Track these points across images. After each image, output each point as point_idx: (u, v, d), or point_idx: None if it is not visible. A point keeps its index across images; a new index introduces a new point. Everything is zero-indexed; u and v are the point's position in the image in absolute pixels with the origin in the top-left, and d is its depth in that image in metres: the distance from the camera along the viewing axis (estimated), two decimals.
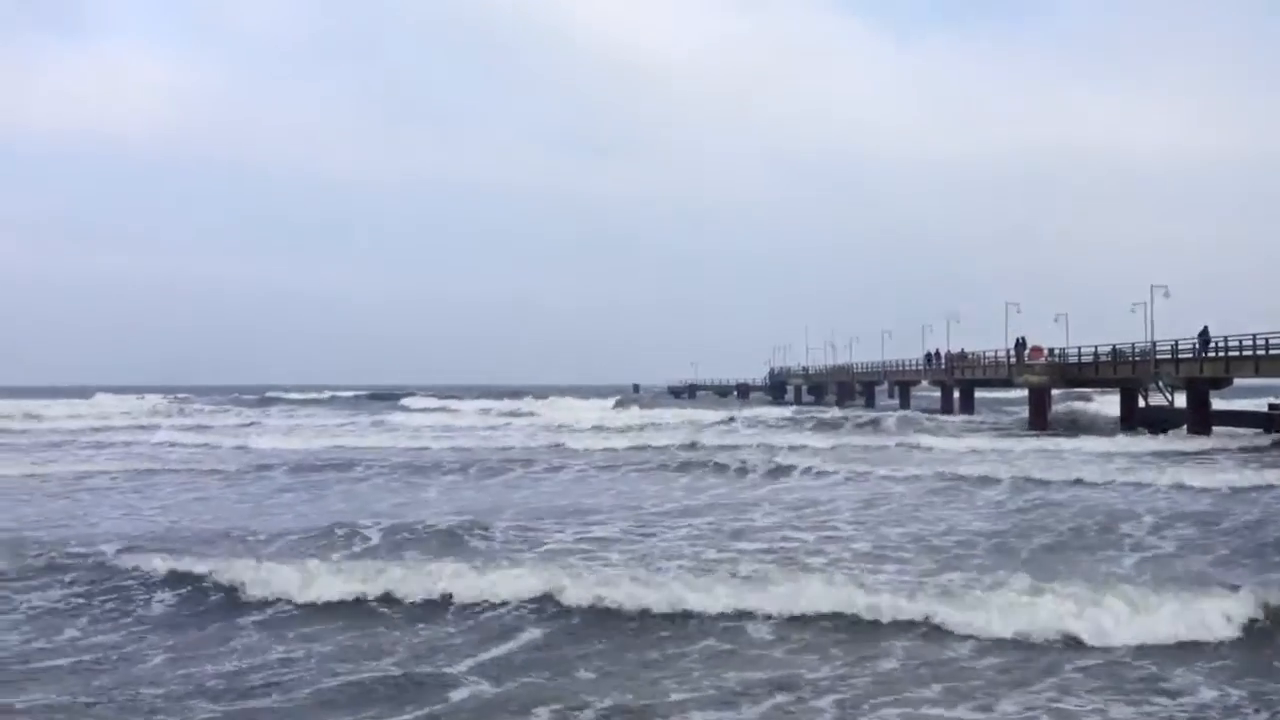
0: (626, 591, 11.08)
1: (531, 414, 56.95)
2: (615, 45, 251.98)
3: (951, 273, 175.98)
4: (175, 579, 12.12)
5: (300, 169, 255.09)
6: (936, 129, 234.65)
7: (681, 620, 10.42)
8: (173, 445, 36.80)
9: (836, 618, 10.37)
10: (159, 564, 12.72)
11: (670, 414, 51.18)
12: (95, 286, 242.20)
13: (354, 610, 10.95)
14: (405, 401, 75.47)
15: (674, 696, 8.22)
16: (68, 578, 12.43)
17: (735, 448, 32.32)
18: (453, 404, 69.48)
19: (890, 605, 10.49)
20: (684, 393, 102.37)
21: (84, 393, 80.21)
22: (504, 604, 11.05)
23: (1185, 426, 37.47)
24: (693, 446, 32.91)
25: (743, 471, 25.68)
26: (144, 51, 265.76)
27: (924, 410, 57.65)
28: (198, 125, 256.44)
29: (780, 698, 8.16)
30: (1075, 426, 41.69)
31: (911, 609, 10.43)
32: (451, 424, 49.31)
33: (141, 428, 46.57)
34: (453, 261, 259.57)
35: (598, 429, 43.35)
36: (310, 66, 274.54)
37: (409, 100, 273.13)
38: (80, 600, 11.51)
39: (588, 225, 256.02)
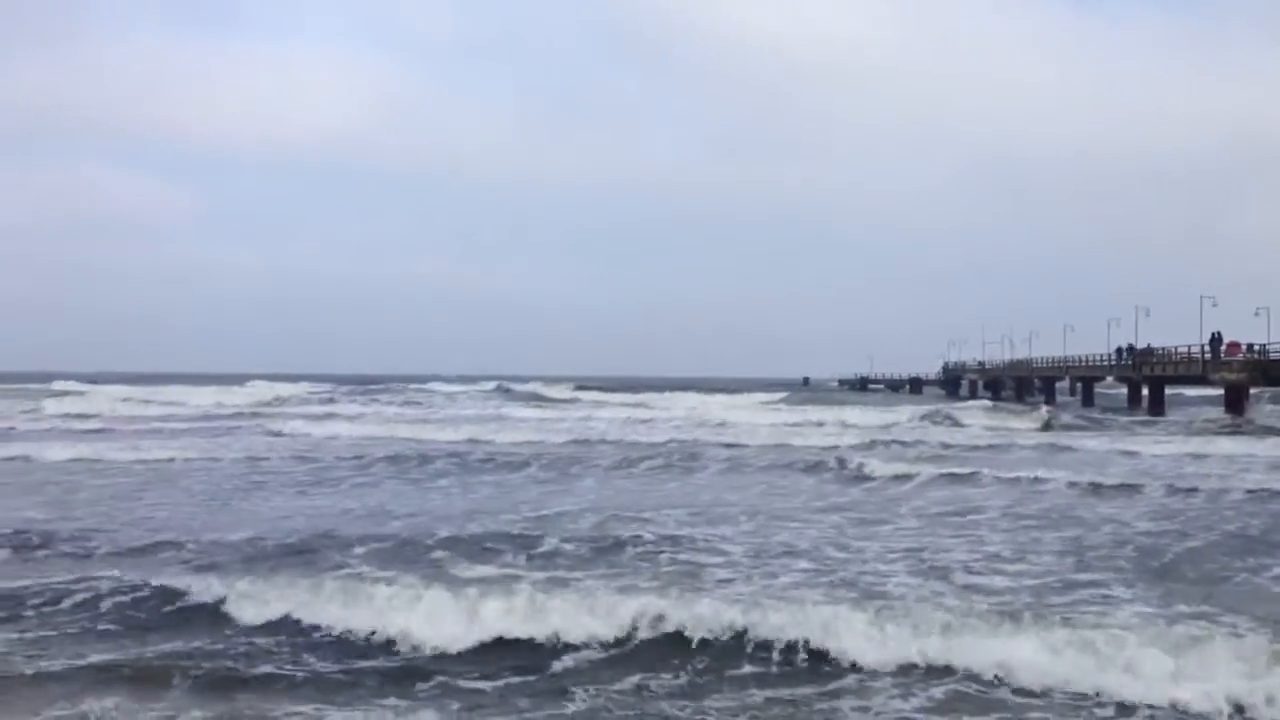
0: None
1: (661, 409, 54.85)
2: (778, 38, 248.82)
3: (1139, 267, 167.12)
4: None
5: (471, 169, 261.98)
6: (1124, 116, 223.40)
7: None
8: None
9: None
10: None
11: (828, 412, 48.97)
12: (281, 282, 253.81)
13: None
14: (574, 393, 76.00)
15: None
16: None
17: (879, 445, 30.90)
18: (613, 397, 69.63)
19: None
20: (855, 386, 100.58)
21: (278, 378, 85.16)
22: None
23: None
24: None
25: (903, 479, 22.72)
26: (317, 54, 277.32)
27: (1109, 409, 54.51)
28: (371, 125, 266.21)
29: None
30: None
31: None
32: (633, 416, 48.49)
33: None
34: (628, 259, 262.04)
35: (736, 425, 41.69)
36: (474, 66, 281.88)
37: (571, 100, 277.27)
38: None
39: (766, 219, 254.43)
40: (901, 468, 23.39)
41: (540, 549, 13.52)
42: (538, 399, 66.84)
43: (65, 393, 63.06)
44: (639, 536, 14.44)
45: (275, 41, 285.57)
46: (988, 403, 60.52)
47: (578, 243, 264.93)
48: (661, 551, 13.39)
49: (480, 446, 30.40)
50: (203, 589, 10.50)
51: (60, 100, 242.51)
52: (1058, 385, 70.46)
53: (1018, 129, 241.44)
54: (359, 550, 13.27)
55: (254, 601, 10.06)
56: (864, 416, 45.78)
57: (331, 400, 64.07)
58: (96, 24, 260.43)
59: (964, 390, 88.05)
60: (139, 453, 27.35)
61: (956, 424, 43.24)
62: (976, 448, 30.99)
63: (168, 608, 10.23)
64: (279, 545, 13.73)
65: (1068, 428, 40.57)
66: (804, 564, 12.65)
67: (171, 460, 25.84)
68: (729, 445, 30.55)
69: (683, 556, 13.06)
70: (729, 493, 20.36)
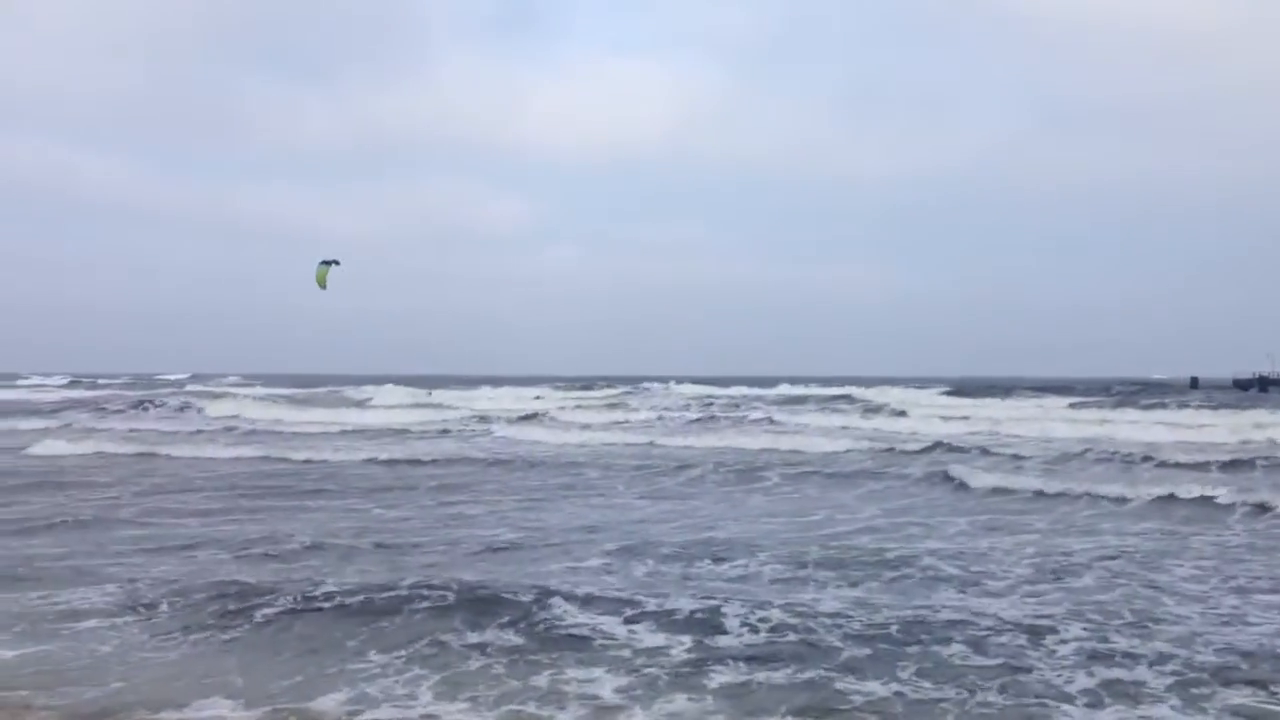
0: None
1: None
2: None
3: None
4: None
5: (798, 167, 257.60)
6: None
7: None
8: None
9: None
10: None
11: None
12: (611, 285, 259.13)
13: None
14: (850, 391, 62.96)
15: None
16: None
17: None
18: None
19: None
20: (1252, 387, 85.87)
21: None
22: None
23: None
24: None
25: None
26: (632, 63, 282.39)
27: None
28: (701, 130, 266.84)
29: None
30: None
31: None
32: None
33: None
34: (946, 255, 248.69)
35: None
36: (782, 64, 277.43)
37: (886, 95, 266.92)
38: None
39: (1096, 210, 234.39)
40: None
41: None
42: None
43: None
44: None
45: (592, 51, 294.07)
46: None
47: (889, 237, 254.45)
48: None
49: None
50: None
51: (404, 121, 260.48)
52: None
53: None
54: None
55: None
56: None
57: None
58: (428, 47, 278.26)
59: None
60: None
61: None
62: None
63: None
64: None
65: None
66: None
67: None
68: None
69: None
70: None
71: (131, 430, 36.80)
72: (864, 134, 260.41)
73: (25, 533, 14.71)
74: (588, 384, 77.96)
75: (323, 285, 20.91)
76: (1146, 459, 24.17)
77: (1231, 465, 22.83)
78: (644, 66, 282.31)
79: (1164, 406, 43.20)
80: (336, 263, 21.03)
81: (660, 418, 41.24)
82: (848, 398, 54.58)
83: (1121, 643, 8.49)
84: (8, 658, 8.25)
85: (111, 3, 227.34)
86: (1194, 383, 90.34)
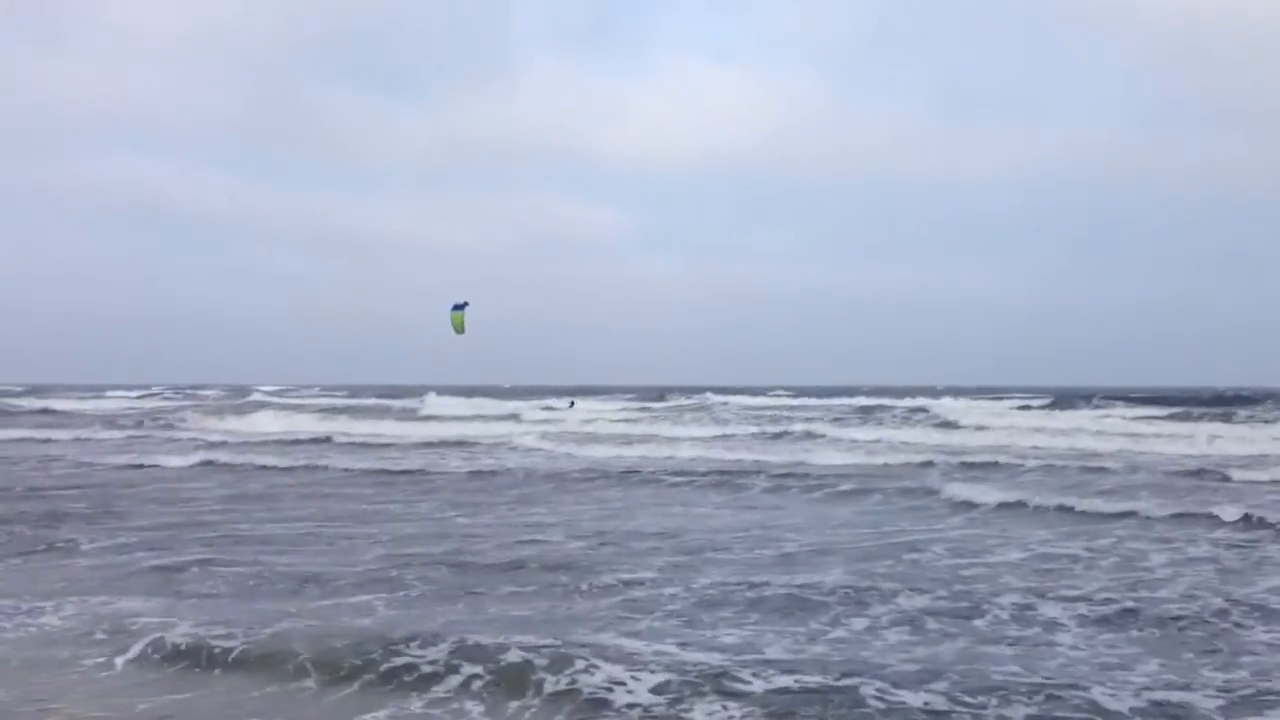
0: None
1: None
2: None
3: None
4: None
5: (885, 170, 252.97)
6: None
7: None
8: None
9: None
10: None
11: None
12: (713, 294, 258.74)
13: None
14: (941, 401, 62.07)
15: None
16: None
17: None
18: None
19: None
20: None
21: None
22: None
23: None
24: None
25: None
26: (723, 72, 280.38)
27: None
28: (786, 134, 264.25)
29: None
30: None
31: None
32: None
33: None
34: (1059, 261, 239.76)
35: None
36: (877, 67, 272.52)
37: (974, 93, 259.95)
38: None
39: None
40: None
41: None
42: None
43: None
44: None
45: (681, 61, 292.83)
46: None
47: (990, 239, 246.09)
48: None
49: None
50: None
51: (496, 132, 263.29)
52: None
53: None
54: None
55: None
56: None
57: None
58: (528, 64, 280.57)
59: None
60: None
61: None
62: None
63: None
64: None
65: None
66: None
67: None
68: None
69: None
70: None
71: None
72: (960, 135, 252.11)
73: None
74: (660, 394, 78.10)
75: (460, 330, 21.43)
76: None
77: None
78: (737, 73, 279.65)
79: None
80: (466, 304, 21.64)
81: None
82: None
83: None
84: None
85: (209, 29, 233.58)
86: None
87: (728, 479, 22.46)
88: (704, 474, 23.34)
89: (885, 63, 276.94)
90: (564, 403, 61.77)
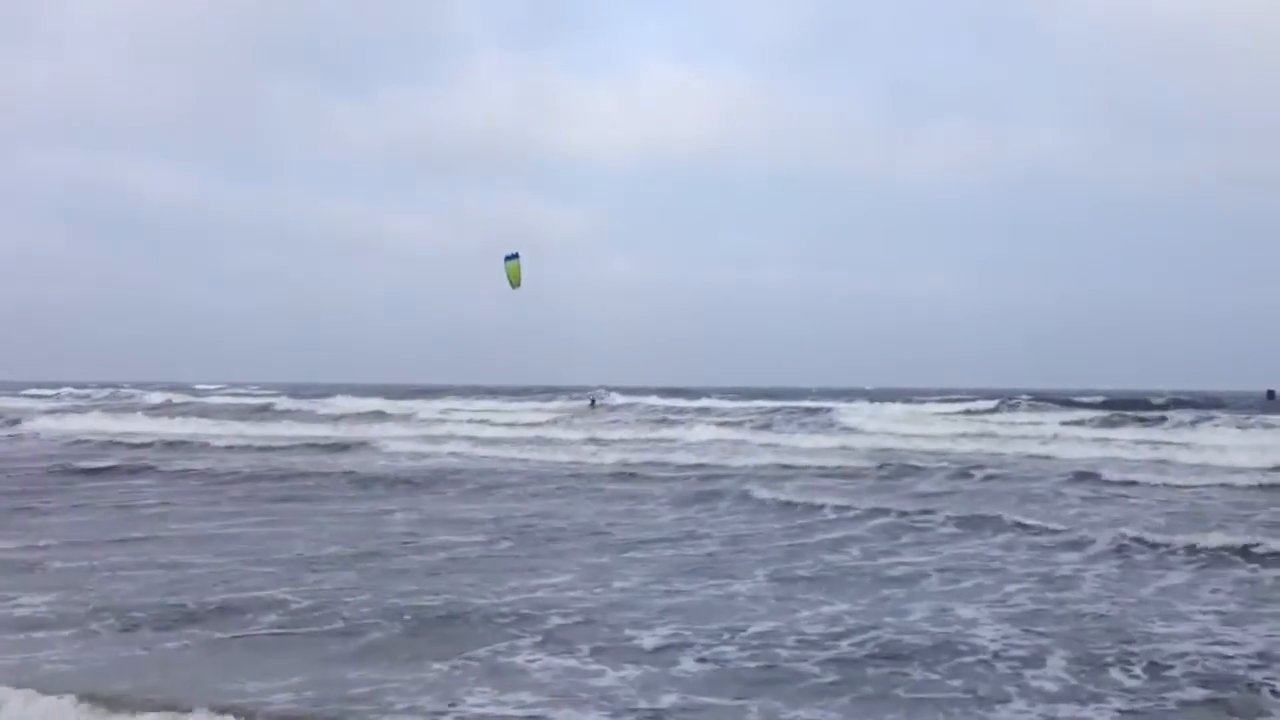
0: None
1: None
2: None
3: None
4: None
5: (830, 168, 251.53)
6: None
7: None
8: None
9: None
10: None
11: None
12: (663, 293, 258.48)
13: None
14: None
15: None
16: None
17: None
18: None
19: None
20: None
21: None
22: None
23: None
24: None
25: None
26: (669, 69, 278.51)
27: None
28: (733, 133, 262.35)
29: None
30: None
31: None
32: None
33: None
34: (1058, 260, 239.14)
35: None
36: (815, 66, 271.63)
37: (933, 94, 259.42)
38: None
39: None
40: None
41: None
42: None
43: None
44: None
45: (627, 59, 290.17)
46: None
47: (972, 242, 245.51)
48: None
49: None
50: None
51: (445, 129, 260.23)
52: None
53: None
54: None
55: None
56: None
57: None
58: (469, 61, 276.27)
59: None
60: None
61: None
62: None
63: None
64: None
65: None
66: None
67: None
68: None
69: None
70: None
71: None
72: (910, 136, 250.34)
73: None
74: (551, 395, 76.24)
75: (516, 283, 19.88)
76: None
77: None
78: (683, 73, 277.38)
79: None
80: (517, 255, 19.94)
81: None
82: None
83: None
84: None
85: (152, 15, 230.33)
86: (1271, 395, 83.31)
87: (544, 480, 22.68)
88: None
89: (831, 59, 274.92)
90: (584, 401, 59.42)
